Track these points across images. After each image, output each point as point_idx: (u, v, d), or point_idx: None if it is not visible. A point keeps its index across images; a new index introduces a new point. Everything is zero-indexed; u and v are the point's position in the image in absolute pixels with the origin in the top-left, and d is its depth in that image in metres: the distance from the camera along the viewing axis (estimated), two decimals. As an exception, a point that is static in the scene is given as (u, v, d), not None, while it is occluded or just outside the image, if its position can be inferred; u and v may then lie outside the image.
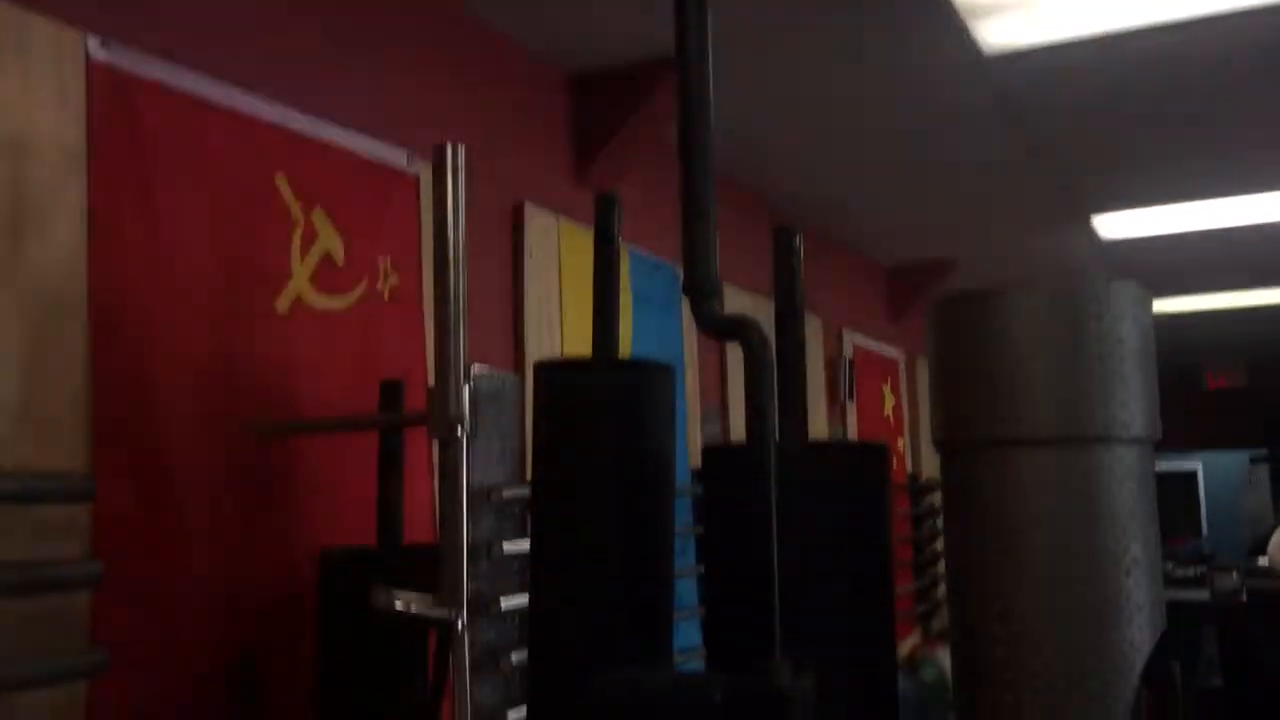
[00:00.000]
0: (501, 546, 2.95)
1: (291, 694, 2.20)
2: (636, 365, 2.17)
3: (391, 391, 2.28)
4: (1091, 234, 5.87)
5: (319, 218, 2.49)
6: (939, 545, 5.97)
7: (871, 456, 2.00)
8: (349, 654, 2.21)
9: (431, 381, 1.94)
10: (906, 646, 6.35)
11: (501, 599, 2.94)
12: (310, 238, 2.47)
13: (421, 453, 2.60)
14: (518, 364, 3.21)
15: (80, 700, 1.90)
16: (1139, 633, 1.82)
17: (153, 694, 1.99)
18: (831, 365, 5.71)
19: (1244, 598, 5.84)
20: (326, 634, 2.25)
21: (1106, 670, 1.77)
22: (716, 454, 2.09)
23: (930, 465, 6.69)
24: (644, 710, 1.64)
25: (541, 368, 2.10)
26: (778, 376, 1.93)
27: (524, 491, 2.92)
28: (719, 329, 1.82)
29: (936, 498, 4.72)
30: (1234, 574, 5.95)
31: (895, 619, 2.03)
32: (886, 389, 6.56)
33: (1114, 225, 5.73)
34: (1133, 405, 1.83)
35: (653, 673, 1.84)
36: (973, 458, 1.94)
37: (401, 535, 2.30)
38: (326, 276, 2.50)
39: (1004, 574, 1.86)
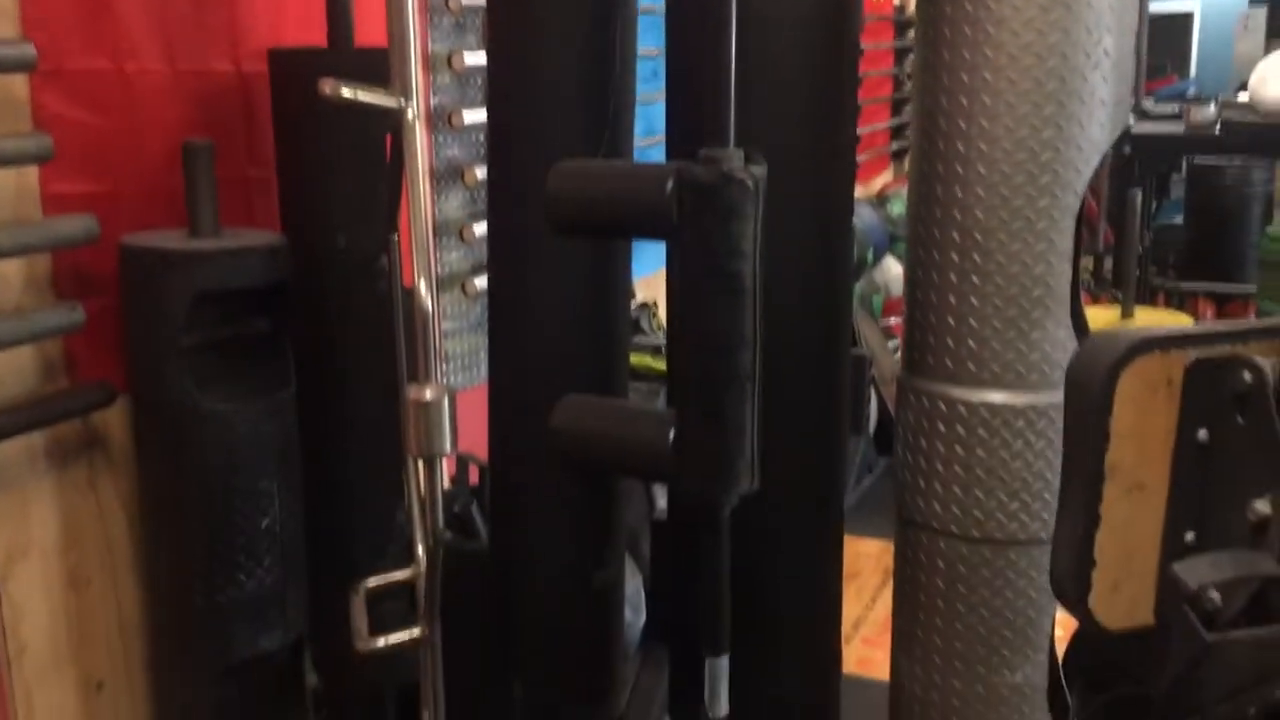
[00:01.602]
0: (463, 58, 2.87)
1: (250, 174, 2.22)
2: None
3: None
4: None
5: None
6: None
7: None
8: (304, 154, 2.19)
9: None
10: (878, 183, 6.43)
11: (464, 112, 2.90)
12: None
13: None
14: None
15: (34, 192, 1.89)
16: (1100, 130, 1.79)
17: (105, 183, 1.98)
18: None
19: (1218, 130, 5.81)
20: (282, 136, 2.22)
21: (1061, 165, 1.77)
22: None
23: (918, -2, 6.42)
24: (595, 197, 1.64)
25: None
26: None
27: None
28: None
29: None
30: (1211, 106, 5.88)
31: (857, 121, 2.01)
32: (879, -87, 6.17)
33: None
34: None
35: (607, 163, 1.84)
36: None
37: (352, 33, 2.21)
38: None
39: (969, 73, 1.81)
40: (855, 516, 4.33)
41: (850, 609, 3.63)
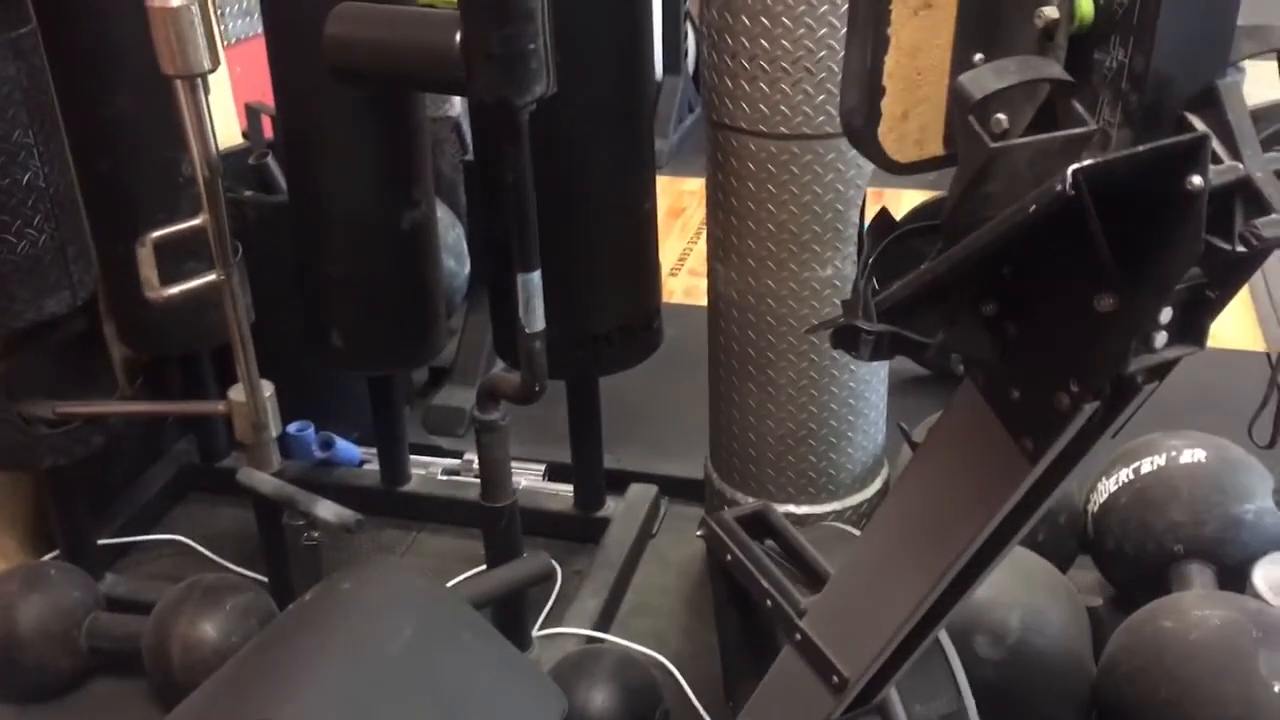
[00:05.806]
0: None
1: None
2: None
3: None
4: None
5: None
6: None
7: None
8: None
9: None
10: None
11: None
12: None
13: None
14: None
15: None
16: None
17: None
18: None
19: None
20: None
21: None
22: None
23: None
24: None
25: None
26: None
27: None
28: None
29: None
30: None
31: None
32: None
33: None
34: None
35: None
36: None
37: None
38: None
39: None
40: (678, 157, 4.31)
41: (676, 244, 3.66)
